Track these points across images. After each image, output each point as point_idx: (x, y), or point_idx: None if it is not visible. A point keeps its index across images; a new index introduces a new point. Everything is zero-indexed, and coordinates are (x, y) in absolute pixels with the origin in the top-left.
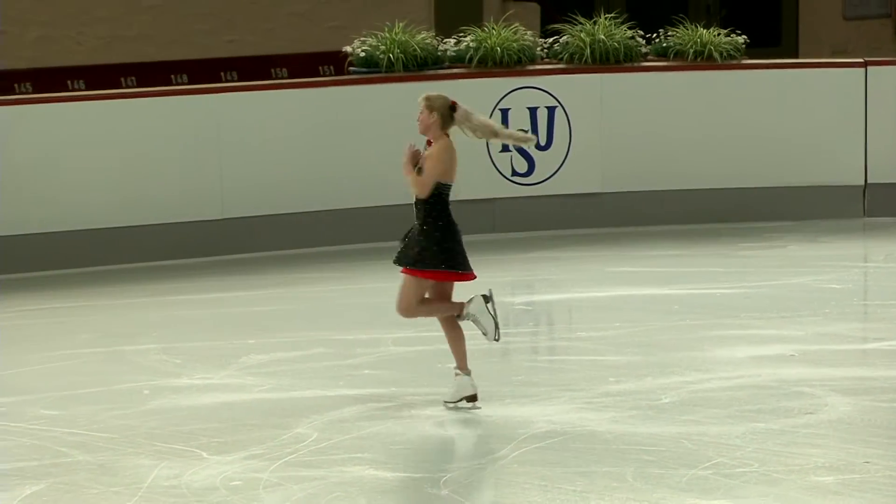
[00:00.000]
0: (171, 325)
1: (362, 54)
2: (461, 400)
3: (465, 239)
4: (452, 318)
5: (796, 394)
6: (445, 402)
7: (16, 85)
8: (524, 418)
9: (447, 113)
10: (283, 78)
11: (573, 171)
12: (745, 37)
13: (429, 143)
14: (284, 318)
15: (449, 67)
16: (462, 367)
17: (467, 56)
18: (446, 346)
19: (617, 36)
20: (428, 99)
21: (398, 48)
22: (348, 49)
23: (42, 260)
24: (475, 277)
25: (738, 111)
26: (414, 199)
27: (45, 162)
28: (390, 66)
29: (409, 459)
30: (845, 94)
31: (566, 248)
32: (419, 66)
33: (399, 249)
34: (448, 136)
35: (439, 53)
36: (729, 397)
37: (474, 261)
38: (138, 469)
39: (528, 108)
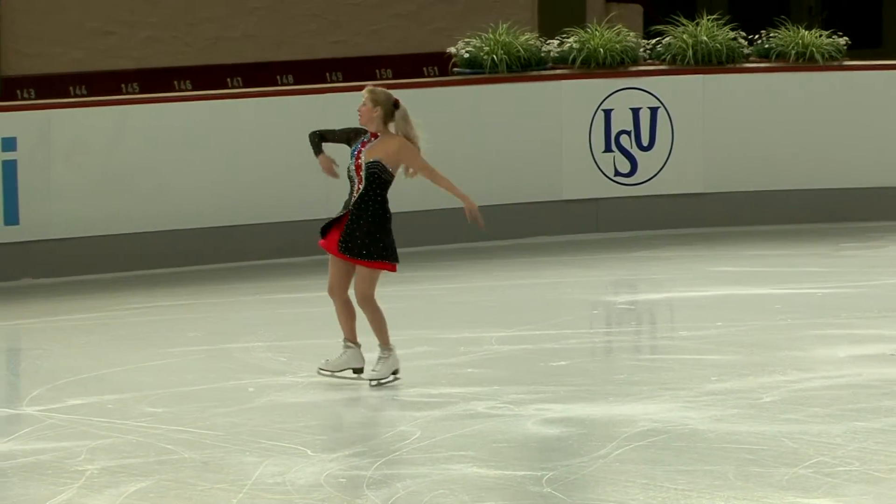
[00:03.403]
0: (276, 323)
1: (466, 55)
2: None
3: (568, 238)
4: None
5: None
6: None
7: (123, 85)
8: (626, 417)
9: (390, 109)
10: (387, 79)
11: (675, 172)
12: (846, 38)
13: (373, 135)
14: (389, 316)
15: (552, 68)
16: (353, 339)
17: (570, 57)
18: (550, 345)
19: (719, 37)
20: (373, 92)
21: (502, 49)
22: (452, 50)
23: (149, 258)
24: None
25: (839, 112)
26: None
27: (151, 161)
28: (494, 67)
29: (511, 457)
30: None
31: (668, 247)
32: (522, 67)
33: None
34: (385, 129)
35: (542, 54)
36: (830, 396)
37: (577, 261)
38: (243, 466)
39: (631, 109)
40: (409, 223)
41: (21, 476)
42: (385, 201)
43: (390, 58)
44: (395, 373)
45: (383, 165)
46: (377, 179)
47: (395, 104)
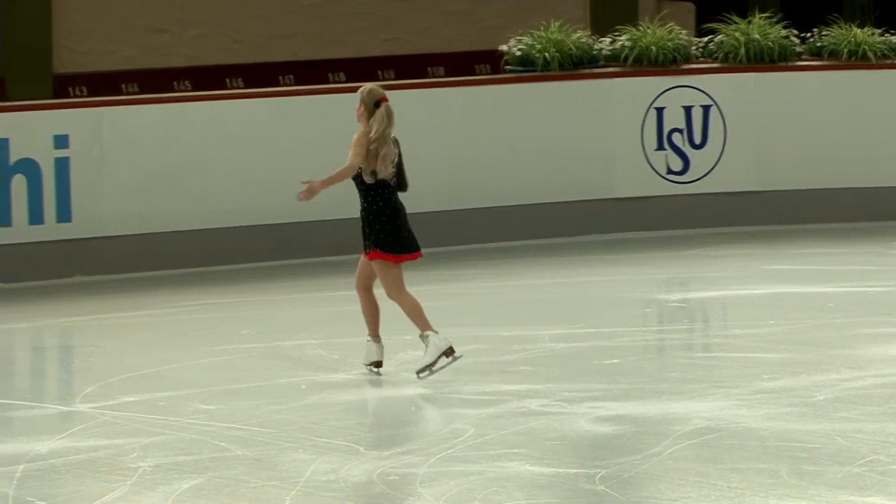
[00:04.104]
0: (329, 320)
1: (518, 53)
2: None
3: (621, 236)
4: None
5: None
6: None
7: (175, 83)
8: (679, 415)
9: (371, 107)
10: (439, 76)
11: (727, 170)
12: None
13: None
14: (442, 314)
15: (604, 66)
16: (374, 334)
17: (622, 55)
18: (603, 343)
19: (771, 35)
20: (361, 91)
21: (554, 47)
22: (504, 48)
23: (201, 256)
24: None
25: (891, 110)
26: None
27: (203, 159)
28: (546, 64)
29: (564, 455)
30: None
31: (720, 245)
32: (574, 64)
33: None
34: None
35: (594, 52)
36: (884, 394)
37: (629, 259)
38: (296, 463)
39: (683, 107)
40: (463, 220)
41: (74, 473)
42: (373, 197)
43: (442, 56)
44: (446, 354)
45: None
46: (356, 178)
47: (377, 103)
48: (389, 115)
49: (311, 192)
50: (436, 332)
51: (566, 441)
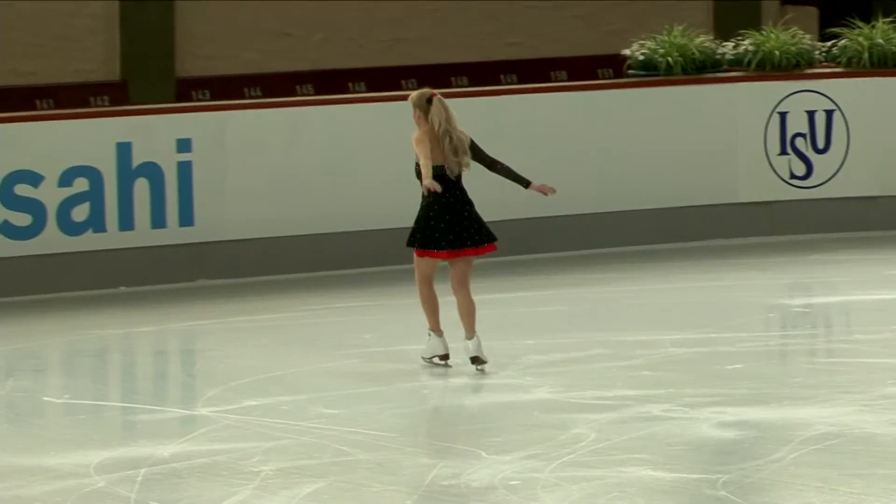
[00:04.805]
0: (449, 324)
1: (641, 57)
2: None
3: (743, 241)
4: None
5: None
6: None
7: (297, 86)
8: (802, 420)
9: (424, 106)
10: (562, 81)
11: (851, 175)
12: None
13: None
14: (565, 318)
15: (727, 71)
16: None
17: (745, 59)
18: (725, 349)
19: (895, 40)
20: (410, 100)
21: (677, 51)
22: (627, 52)
23: (324, 260)
24: (432, 255)
25: None
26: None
27: (325, 163)
28: (669, 69)
29: (686, 460)
30: None
31: (844, 250)
32: (697, 69)
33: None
34: (430, 127)
35: (717, 57)
36: None
37: (752, 264)
38: (418, 468)
39: (806, 112)
40: (585, 225)
41: (196, 477)
42: (428, 193)
43: (565, 60)
44: (434, 357)
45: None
46: (417, 175)
47: (429, 100)
48: (445, 107)
49: (433, 186)
50: (440, 336)
51: (688, 446)
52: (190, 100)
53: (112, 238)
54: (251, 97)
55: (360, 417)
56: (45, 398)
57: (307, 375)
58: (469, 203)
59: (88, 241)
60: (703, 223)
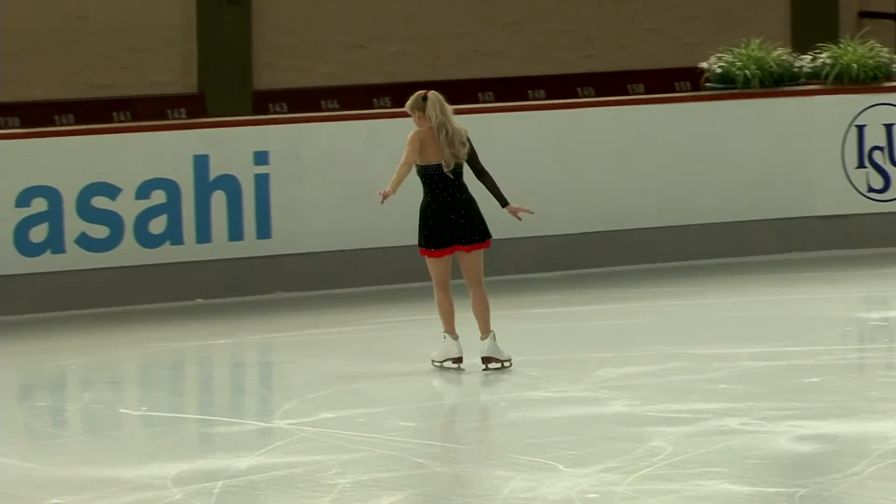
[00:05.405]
0: (527, 337)
1: (718, 70)
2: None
3: (821, 254)
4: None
5: None
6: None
7: (374, 99)
8: (880, 434)
9: (421, 105)
10: (639, 93)
11: None
12: None
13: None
14: (641, 332)
15: (804, 84)
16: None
17: (823, 72)
18: (803, 362)
19: None
20: (407, 108)
21: (754, 64)
22: (704, 65)
23: (400, 273)
24: (439, 255)
25: None
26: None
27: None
28: (746, 82)
29: (763, 474)
30: None
31: None
32: (775, 82)
33: None
34: (430, 125)
35: (795, 70)
36: None
37: (830, 277)
38: (494, 481)
39: (884, 125)
40: (662, 238)
41: (273, 489)
42: (425, 192)
43: (641, 73)
44: (447, 361)
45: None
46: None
47: (424, 98)
48: (441, 101)
49: (385, 196)
50: (455, 339)
51: (765, 460)
52: (267, 112)
53: (189, 250)
54: (328, 110)
55: (436, 430)
56: (123, 410)
57: (383, 388)
58: (468, 201)
59: (165, 254)
60: (780, 236)
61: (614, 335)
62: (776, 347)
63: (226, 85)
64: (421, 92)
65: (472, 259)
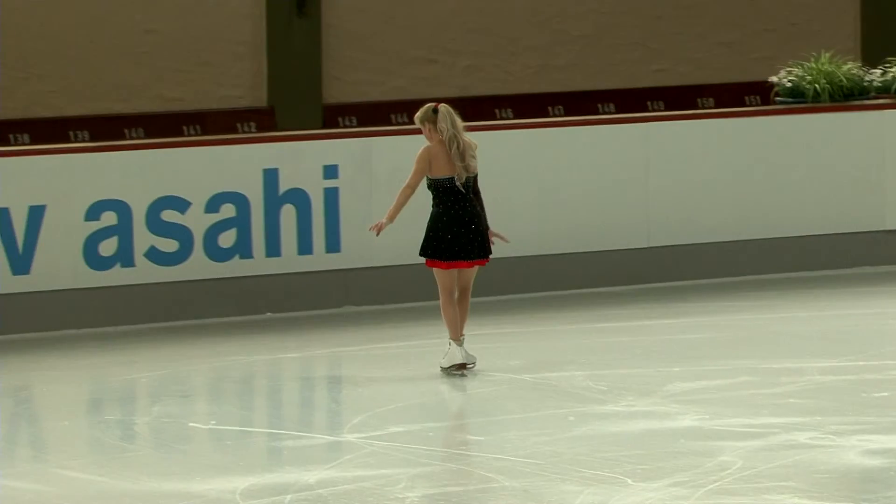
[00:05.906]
0: (596, 352)
1: (788, 84)
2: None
3: (891, 269)
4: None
5: None
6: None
7: None
8: None
9: (432, 118)
10: (709, 107)
11: None
12: None
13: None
14: (709, 346)
15: (875, 98)
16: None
17: (893, 87)
18: (872, 376)
19: None
20: (416, 121)
21: (824, 78)
22: (774, 79)
23: (474, 286)
24: (444, 266)
25: None
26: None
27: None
28: (816, 96)
29: (833, 488)
30: None
31: None
32: (845, 96)
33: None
34: (441, 137)
35: (865, 84)
36: None
37: (862, 293)
38: (563, 495)
39: None
40: (731, 252)
41: (342, 503)
42: (436, 204)
43: (711, 87)
44: (452, 367)
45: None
46: (428, 187)
47: (434, 111)
48: (452, 114)
49: (379, 228)
50: (460, 346)
51: (835, 474)
52: (337, 126)
53: (258, 264)
54: (398, 123)
55: (505, 444)
56: (192, 424)
57: (452, 402)
58: (477, 216)
59: (235, 268)
60: (850, 250)
61: (683, 349)
62: (846, 362)
63: (296, 99)
64: (431, 104)
65: (469, 272)
